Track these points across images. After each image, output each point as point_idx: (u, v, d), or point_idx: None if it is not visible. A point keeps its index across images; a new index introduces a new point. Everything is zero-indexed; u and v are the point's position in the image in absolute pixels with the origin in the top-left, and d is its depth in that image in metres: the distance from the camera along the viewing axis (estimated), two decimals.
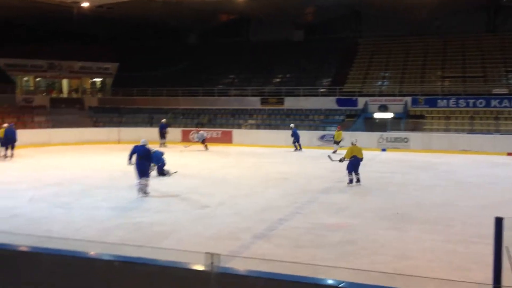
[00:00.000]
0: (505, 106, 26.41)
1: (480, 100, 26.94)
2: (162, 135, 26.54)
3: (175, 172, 16.20)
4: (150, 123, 30.51)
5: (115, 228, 9.67)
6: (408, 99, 28.17)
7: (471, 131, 25.44)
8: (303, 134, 26.08)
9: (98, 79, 39.06)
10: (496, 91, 27.53)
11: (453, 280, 6.40)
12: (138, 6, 29.70)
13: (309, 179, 15.90)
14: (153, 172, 15.62)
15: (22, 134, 22.52)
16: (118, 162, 19.70)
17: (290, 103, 30.56)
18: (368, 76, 31.70)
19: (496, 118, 26.18)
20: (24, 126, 27.65)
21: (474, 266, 7.52)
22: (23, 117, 29.36)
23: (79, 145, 26.52)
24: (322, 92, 30.73)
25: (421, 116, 27.60)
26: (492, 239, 5.00)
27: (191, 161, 20.43)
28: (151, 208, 11.47)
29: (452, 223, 10.26)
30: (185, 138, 28.63)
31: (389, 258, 7.95)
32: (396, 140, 25.16)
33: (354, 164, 14.92)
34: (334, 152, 21.94)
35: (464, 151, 23.50)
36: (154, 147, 17.55)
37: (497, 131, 25.07)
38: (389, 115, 27.89)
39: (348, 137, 25.58)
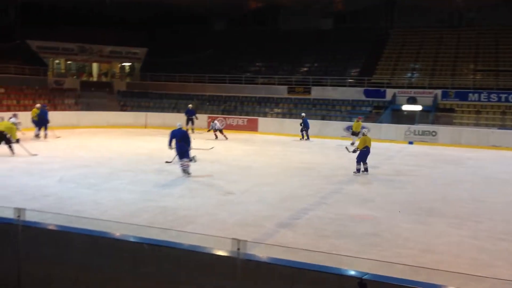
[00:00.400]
0: None
1: None
2: (189, 120, 26.68)
3: (194, 157, 16.26)
4: (176, 109, 30.75)
5: (140, 211, 9.84)
6: (438, 92, 27.66)
7: (502, 127, 24.84)
8: (329, 125, 25.99)
9: (127, 64, 39.50)
10: None
11: (479, 276, 6.31)
12: None
13: (334, 170, 15.83)
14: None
15: (52, 116, 23.01)
16: (144, 146, 20.03)
17: (317, 92, 30.36)
18: (398, 68, 31.21)
19: None
20: (55, 108, 28.25)
21: (501, 263, 7.41)
22: (54, 99, 29.99)
23: (107, 128, 26.96)
24: (349, 82, 30.44)
25: (451, 110, 27.09)
26: None
27: (216, 148, 20.53)
28: (176, 193, 11.62)
29: (479, 219, 10.10)
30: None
31: (413, 251, 7.89)
32: (424, 133, 24.78)
33: (366, 154, 15.02)
34: (352, 143, 21.68)
35: (494, 146, 23.01)
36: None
37: None
38: (417, 107, 27.45)
39: (375, 128, 25.52)
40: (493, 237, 8.80)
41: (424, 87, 28.34)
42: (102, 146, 20.11)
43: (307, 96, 30.52)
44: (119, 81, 36.98)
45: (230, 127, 28.36)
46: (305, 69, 33.84)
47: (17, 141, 16.67)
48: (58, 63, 37.21)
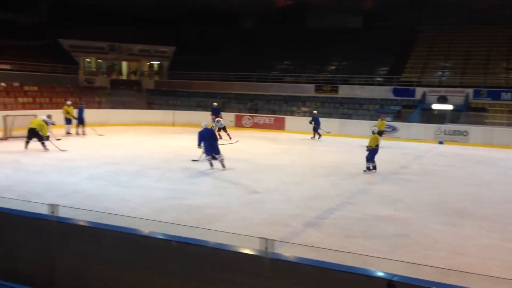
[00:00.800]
0: None
1: None
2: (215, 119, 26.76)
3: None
4: (199, 107, 30.93)
5: (168, 208, 9.94)
6: (470, 91, 27.09)
7: None
8: (357, 124, 25.72)
9: (155, 62, 39.96)
10: None
11: (510, 279, 6.15)
12: None
13: (361, 169, 15.65)
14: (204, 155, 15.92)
15: (85, 114, 23.52)
16: (172, 144, 20.23)
17: (344, 91, 30.13)
18: (428, 66, 30.69)
19: None
20: (86, 106, 28.76)
21: None
22: (85, 97, 30.56)
23: (135, 126, 27.34)
24: (378, 81, 30.10)
25: (483, 109, 26.48)
26: None
27: (242, 146, 20.58)
28: (203, 191, 11.69)
29: (510, 221, 9.85)
30: (238, 123, 28.89)
31: (443, 253, 7.75)
32: (454, 133, 24.30)
33: (376, 152, 15.00)
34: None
35: None
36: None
37: None
38: (448, 107, 26.95)
39: (404, 128, 25.17)
40: None
41: (455, 86, 27.80)
42: (130, 143, 20.40)
43: (335, 95, 30.31)
44: (148, 79, 37.46)
45: (256, 126, 28.43)
46: (333, 67, 33.60)
47: (47, 137, 17.13)
48: (89, 62, 37.94)
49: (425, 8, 34.79)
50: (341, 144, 22.58)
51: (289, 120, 28.16)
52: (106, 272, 5.28)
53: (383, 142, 22.15)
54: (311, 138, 24.09)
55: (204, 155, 15.34)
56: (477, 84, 27.54)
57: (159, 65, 39.89)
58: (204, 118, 26.28)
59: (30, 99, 27.44)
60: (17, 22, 35.42)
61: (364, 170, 14.86)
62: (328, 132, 24.08)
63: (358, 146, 20.76)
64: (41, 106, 26.76)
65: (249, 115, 29.22)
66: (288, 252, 4.97)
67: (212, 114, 26.90)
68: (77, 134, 22.30)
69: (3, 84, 27.01)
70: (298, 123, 27.78)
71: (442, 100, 27.24)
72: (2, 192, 10.24)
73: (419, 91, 28.01)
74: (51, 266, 5.38)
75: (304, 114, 29.53)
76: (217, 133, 21.57)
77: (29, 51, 31.35)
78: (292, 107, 30.40)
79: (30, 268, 5.61)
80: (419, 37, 33.21)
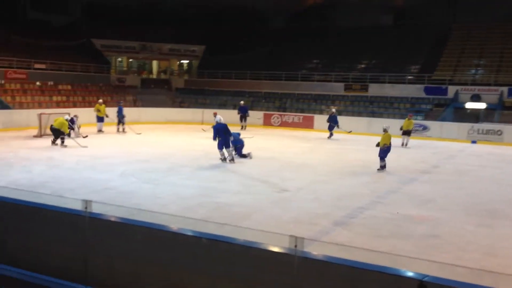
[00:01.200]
0: None
1: None
2: (242, 118, 26.83)
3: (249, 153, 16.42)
4: (223, 105, 31.06)
5: (197, 206, 10.03)
6: (504, 89, 26.38)
7: None
8: (387, 123, 25.21)
9: (185, 61, 40.34)
10: None
11: None
12: None
13: (392, 169, 15.44)
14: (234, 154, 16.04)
15: (114, 112, 24.00)
16: (201, 142, 20.37)
17: (374, 90, 29.76)
18: (460, 64, 30.01)
19: None
20: (117, 104, 29.30)
21: None
22: (116, 96, 31.13)
23: (165, 124, 27.67)
24: (409, 79, 29.62)
25: None
26: None
27: (271, 144, 20.61)
28: (232, 189, 11.75)
29: None
30: (267, 122, 28.91)
31: (476, 255, 7.59)
32: (488, 132, 23.71)
33: (389, 151, 14.82)
34: (405, 145, 20.90)
35: None
36: (235, 131, 18.01)
37: None
38: (482, 105, 26.31)
39: (435, 127, 24.72)
40: None
41: (489, 84, 27.12)
42: (160, 141, 20.67)
43: (364, 94, 29.98)
44: (177, 78, 37.85)
45: (285, 124, 28.39)
46: (363, 66, 33.24)
47: (68, 135, 17.98)
48: (121, 61, 38.60)
49: (458, 5, 34.03)
50: (370, 143, 22.24)
51: (318, 118, 27.96)
52: (136, 268, 5.37)
53: (414, 142, 21.91)
54: (328, 137, 23.36)
55: (233, 153, 15.52)
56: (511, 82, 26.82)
57: (189, 64, 40.25)
58: (234, 116, 26.54)
59: (64, 98, 28.10)
60: (51, 22, 36.34)
61: (378, 169, 14.63)
62: (349, 132, 23.62)
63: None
64: (74, 105, 27.40)
65: (278, 114, 29.20)
66: (317, 251, 4.96)
67: (239, 112, 27.02)
68: (118, 131, 22.77)
69: (38, 83, 27.74)
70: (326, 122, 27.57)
71: (476, 98, 26.62)
72: (37, 188, 10.54)
73: (451, 90, 27.44)
74: (84, 260, 5.52)
75: (333, 113, 29.29)
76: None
77: (63, 51, 32.11)
78: (321, 105, 30.21)
79: (64, 262, 5.76)
80: (452, 34, 32.51)
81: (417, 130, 24.01)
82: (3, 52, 28.21)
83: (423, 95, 28.38)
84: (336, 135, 24.02)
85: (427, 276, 4.27)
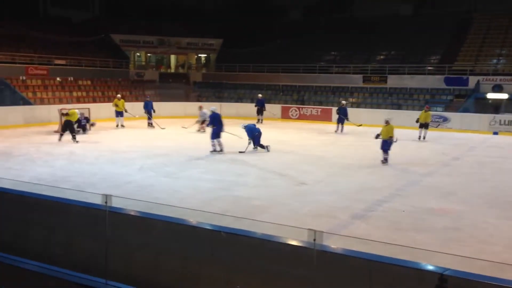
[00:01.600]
0: None
1: None
2: (259, 111, 26.76)
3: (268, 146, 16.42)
4: (240, 99, 31.05)
5: (215, 199, 10.08)
6: None
7: None
8: (407, 115, 25.01)
9: (203, 55, 40.41)
10: None
11: None
12: None
13: (411, 161, 15.30)
14: (251, 146, 16.09)
15: (135, 106, 24.25)
16: None
17: (393, 81, 29.40)
18: (482, 54, 29.42)
19: None
20: (136, 99, 29.57)
21: None
22: (135, 91, 31.37)
23: (183, 118, 27.76)
24: (429, 70, 29.18)
25: None
26: None
27: (289, 138, 20.56)
28: (250, 182, 11.77)
29: None
30: (285, 115, 28.83)
31: (499, 248, 7.47)
32: (510, 123, 23.26)
33: (391, 143, 14.49)
34: (423, 138, 20.19)
35: None
36: (250, 122, 18.01)
37: None
38: (504, 96, 25.77)
39: (456, 118, 24.35)
40: None
41: (511, 74, 26.54)
42: (179, 135, 20.77)
43: (383, 85, 29.64)
44: (195, 72, 37.94)
45: (303, 117, 28.28)
46: (382, 57, 32.85)
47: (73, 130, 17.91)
48: (139, 56, 38.85)
49: None
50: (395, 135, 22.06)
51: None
52: (155, 261, 5.43)
53: (434, 133, 21.61)
54: (335, 131, 22.58)
55: (252, 146, 15.59)
56: None
57: (207, 58, 40.30)
58: (251, 110, 26.54)
59: (84, 93, 28.42)
60: (71, 19, 36.71)
61: (383, 162, 14.32)
62: (359, 125, 23.08)
63: (407, 137, 20.26)
64: (94, 100, 27.71)
65: (296, 107, 29.09)
66: (335, 244, 4.95)
67: (256, 105, 26.96)
68: (149, 126, 22.96)
69: (58, 79, 28.09)
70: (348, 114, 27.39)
71: (498, 89, 26.09)
72: (59, 183, 10.70)
73: (472, 80, 26.94)
74: (105, 254, 5.59)
75: (352, 105, 29.09)
76: (199, 125, 21.27)
77: (82, 47, 32.44)
78: (340, 98, 29.96)
79: (85, 256, 5.85)
80: (473, 24, 31.87)
81: (437, 121, 23.66)
82: (24, 48, 28.63)
83: (443, 86, 27.93)
84: (357, 128, 23.80)
85: (448, 269, 4.22)
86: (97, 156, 14.91)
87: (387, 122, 14.68)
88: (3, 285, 5.76)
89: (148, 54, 39.19)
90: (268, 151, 16.22)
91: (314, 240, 4.36)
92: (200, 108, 21.99)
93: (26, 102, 24.40)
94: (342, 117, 22.71)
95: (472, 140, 20.78)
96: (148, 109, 23.62)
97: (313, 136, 21.61)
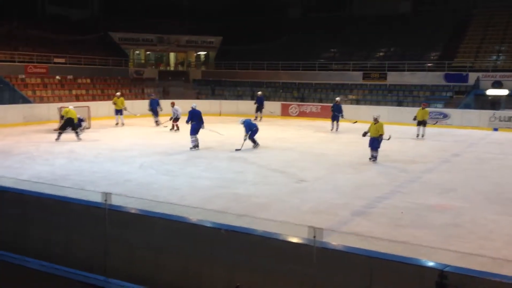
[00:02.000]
0: None
1: None
2: (258, 108, 26.67)
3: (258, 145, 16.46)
4: (242, 96, 31.00)
5: (215, 197, 10.07)
6: None
7: None
8: (407, 112, 24.97)
9: (202, 53, 40.36)
10: None
11: None
12: None
13: (411, 158, 15.29)
14: (248, 143, 16.09)
15: (134, 104, 24.20)
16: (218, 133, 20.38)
17: (393, 78, 29.38)
18: (481, 50, 29.40)
19: None
20: (135, 97, 29.54)
21: None
22: (134, 89, 31.34)
23: (183, 116, 27.66)
24: (429, 67, 29.16)
25: None
26: None
27: (288, 135, 20.56)
28: (249, 180, 11.76)
29: None
30: (285, 112, 28.80)
31: (499, 244, 7.48)
32: (510, 119, 23.25)
33: (381, 141, 14.23)
34: (421, 136, 19.71)
35: None
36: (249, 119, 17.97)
37: None
38: (503, 92, 25.75)
39: (456, 114, 24.33)
40: None
41: (511, 70, 26.52)
42: (178, 133, 20.74)
43: (383, 82, 29.63)
44: (195, 70, 37.90)
45: (303, 114, 28.25)
46: (381, 54, 32.82)
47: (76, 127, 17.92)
48: (138, 54, 38.79)
49: None
50: (389, 132, 22.05)
51: None
52: (155, 259, 5.43)
53: (434, 130, 21.59)
54: (330, 130, 21.98)
55: (248, 143, 15.61)
56: None
57: (206, 56, 40.25)
58: (250, 107, 26.51)
59: (83, 91, 28.39)
60: (70, 17, 36.63)
61: (373, 160, 14.11)
62: (354, 122, 22.41)
63: (407, 134, 20.26)
64: (94, 98, 27.67)
65: (296, 104, 29.06)
66: (336, 241, 4.94)
67: (256, 103, 26.90)
68: (157, 125, 22.72)
69: (58, 77, 28.05)
70: (346, 111, 27.36)
71: (497, 85, 26.07)
72: (58, 181, 10.69)
73: (472, 76, 26.93)
74: (104, 252, 5.59)
75: (351, 102, 29.07)
76: (172, 123, 21.10)
77: (82, 45, 32.37)
78: (340, 95, 29.92)
79: (86, 254, 5.84)
80: (473, 20, 31.84)
81: (436, 118, 23.63)
82: (23, 47, 28.57)
83: (443, 82, 27.93)
84: (357, 124, 23.72)
85: (448, 266, 4.22)
86: (96, 154, 14.90)
87: (376, 120, 14.39)
88: (4, 284, 5.76)
89: (148, 52, 39.14)
90: (255, 148, 16.18)
91: (314, 237, 4.36)
92: (172, 104, 21.76)
93: (25, 101, 24.36)
94: (337, 114, 22.05)
95: (472, 137, 20.77)
96: (154, 108, 23.32)
97: (312, 133, 21.60)
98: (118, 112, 23.06)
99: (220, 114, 28.95)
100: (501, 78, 26.19)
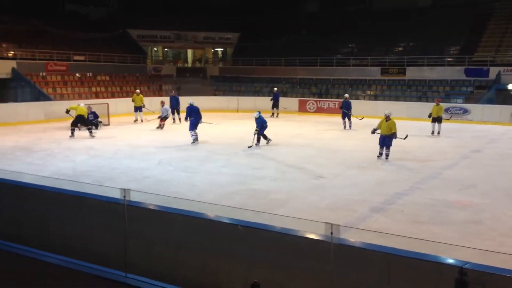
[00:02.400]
0: None
1: None
2: (275, 104, 26.57)
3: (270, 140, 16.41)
4: (259, 93, 30.98)
5: (233, 193, 10.10)
6: None
7: None
8: (426, 107, 24.69)
9: (219, 49, 40.44)
10: None
11: None
12: None
13: (431, 154, 15.12)
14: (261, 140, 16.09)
15: (152, 102, 24.38)
16: (236, 129, 20.47)
17: (412, 73, 29.06)
18: (503, 44, 28.86)
19: None
20: (153, 94, 29.76)
21: None
22: (152, 85, 31.59)
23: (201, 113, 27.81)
24: (449, 61, 28.78)
25: None
26: None
27: (306, 131, 20.50)
28: (267, 176, 11.76)
29: None
30: (302, 108, 28.73)
31: None
32: None
33: (394, 139, 13.87)
34: (437, 133, 19.11)
35: None
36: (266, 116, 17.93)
37: None
38: None
39: (476, 109, 23.98)
40: None
41: None
42: (196, 130, 20.78)
43: (402, 77, 29.33)
44: (212, 66, 38.01)
45: (321, 110, 28.15)
46: (400, 49, 32.48)
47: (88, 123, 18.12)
48: (156, 51, 39.05)
49: None
50: (408, 128, 21.77)
51: (354, 104, 27.43)
52: (174, 255, 5.48)
53: (454, 126, 21.33)
54: (343, 128, 21.17)
55: (256, 140, 15.81)
56: None
57: (223, 52, 40.34)
58: (266, 103, 26.47)
59: (103, 88, 28.72)
60: (89, 15, 37.07)
61: (385, 158, 13.75)
62: (362, 118, 22.13)
63: (426, 130, 20.01)
64: (113, 95, 28.00)
65: (314, 100, 28.96)
66: (354, 238, 4.92)
67: (272, 99, 26.84)
68: (174, 122, 22.83)
69: (77, 75, 28.44)
70: (363, 107, 27.16)
71: None
72: (79, 177, 10.85)
73: (493, 71, 26.48)
74: (124, 247, 5.66)
75: (369, 97, 28.86)
76: (159, 122, 20.77)
77: (101, 43, 32.75)
78: (357, 90, 29.76)
79: (104, 249, 5.92)
80: (494, 13, 31.27)
81: (450, 113, 23.30)
82: (43, 45, 29.00)
83: (464, 77, 27.52)
84: (375, 120, 23.48)
85: (468, 263, 4.17)
86: (115, 151, 15.07)
87: (388, 117, 13.86)
88: (26, 279, 5.88)
89: (165, 49, 39.37)
90: (268, 143, 16.17)
91: (331, 233, 4.35)
92: (162, 104, 21.64)
93: (46, 98, 24.75)
94: (346, 112, 21.31)
95: (493, 132, 20.45)
96: (173, 105, 23.16)
97: (330, 129, 21.49)
98: (138, 109, 23.26)
99: (237, 111, 29.00)
100: None
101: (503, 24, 30.19)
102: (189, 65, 39.73)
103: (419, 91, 28.03)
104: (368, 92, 29.47)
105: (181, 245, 5.41)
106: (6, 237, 6.63)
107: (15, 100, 25.00)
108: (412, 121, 23.49)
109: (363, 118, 22.05)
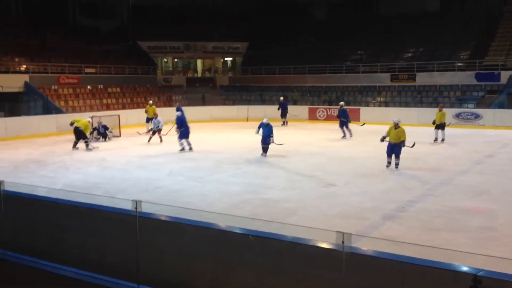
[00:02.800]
0: None
1: None
2: (283, 113, 26.55)
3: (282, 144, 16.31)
4: (270, 101, 31.03)
5: (244, 202, 10.10)
6: None
7: None
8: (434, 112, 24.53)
9: (229, 59, 40.65)
10: None
11: None
12: None
13: (442, 160, 15.02)
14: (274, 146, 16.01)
15: (163, 112, 24.52)
16: (245, 138, 20.45)
17: (422, 79, 28.96)
18: None
19: None
20: (164, 104, 29.93)
21: None
22: (163, 96, 31.79)
23: (211, 122, 27.99)
24: (459, 66, 28.61)
25: None
26: None
27: (316, 139, 20.47)
28: (277, 185, 11.75)
29: None
30: (312, 116, 28.72)
31: None
32: None
33: (402, 147, 13.50)
34: (440, 140, 18.75)
35: None
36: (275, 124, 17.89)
37: None
38: None
39: (488, 114, 23.78)
40: None
41: None
42: (207, 139, 20.90)
43: (412, 83, 29.24)
44: (222, 76, 38.19)
45: (331, 118, 28.08)
46: (409, 54, 32.39)
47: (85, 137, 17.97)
48: (166, 62, 39.36)
49: None
50: (419, 134, 21.64)
51: (364, 111, 27.52)
52: (186, 265, 5.48)
53: (466, 131, 21.19)
54: (342, 137, 20.53)
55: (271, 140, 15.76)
56: None
57: (233, 61, 40.53)
58: (276, 112, 26.49)
59: (114, 100, 28.97)
60: (100, 28, 37.50)
61: (387, 166, 13.54)
62: (363, 124, 22.02)
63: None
64: (124, 107, 28.20)
65: (323, 108, 28.95)
66: (366, 246, 4.89)
67: (279, 108, 26.84)
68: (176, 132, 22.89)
69: (89, 87, 28.72)
70: (374, 113, 27.11)
71: None
72: (91, 189, 10.92)
73: (504, 75, 26.28)
74: (136, 259, 5.68)
75: (380, 104, 28.77)
76: (150, 135, 20.11)
77: (111, 55, 33.11)
78: (367, 97, 29.70)
79: (118, 261, 5.95)
80: (504, 17, 31.10)
81: (469, 118, 23.15)
82: (55, 58, 29.37)
83: (474, 82, 27.36)
84: (385, 127, 23.37)
85: (482, 270, 4.13)
86: (126, 162, 15.16)
87: (396, 125, 13.46)
88: None
89: (175, 60, 39.67)
90: (278, 144, 16.08)
91: (343, 242, 4.33)
92: (155, 116, 20.89)
93: (58, 111, 25.01)
94: (344, 120, 20.61)
95: (505, 137, 20.26)
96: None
97: (340, 136, 21.40)
98: (150, 120, 23.37)
99: (247, 120, 29.07)
100: None
101: None
102: (199, 75, 39.97)
103: (429, 97, 27.90)
104: (378, 98, 29.39)
105: (193, 255, 5.42)
106: (20, 251, 6.69)
107: (28, 113, 25.29)
108: (423, 127, 23.33)
109: (364, 124, 21.92)
